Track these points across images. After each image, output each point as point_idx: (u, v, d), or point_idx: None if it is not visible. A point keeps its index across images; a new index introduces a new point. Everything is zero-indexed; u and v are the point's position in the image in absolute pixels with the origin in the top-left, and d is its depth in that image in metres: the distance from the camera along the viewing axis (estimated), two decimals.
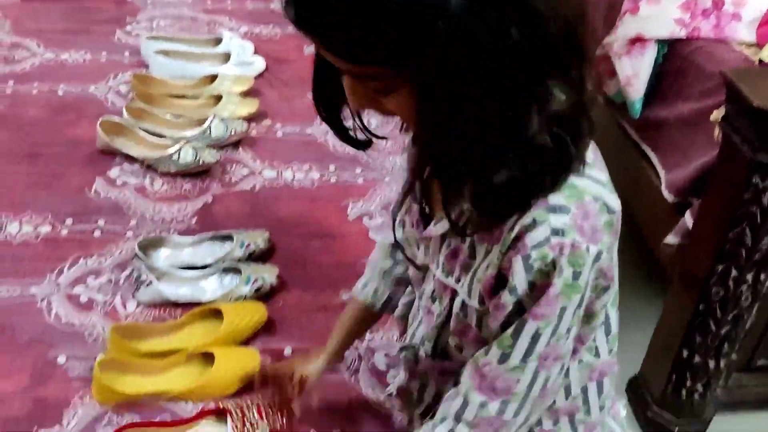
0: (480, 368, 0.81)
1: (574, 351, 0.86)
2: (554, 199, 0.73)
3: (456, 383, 0.86)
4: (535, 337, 0.78)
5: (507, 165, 0.70)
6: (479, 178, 0.72)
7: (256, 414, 1.15)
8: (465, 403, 0.83)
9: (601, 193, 0.74)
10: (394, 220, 0.98)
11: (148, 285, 1.37)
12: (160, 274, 1.39)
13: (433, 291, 0.91)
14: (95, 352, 1.27)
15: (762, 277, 1.59)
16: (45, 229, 1.53)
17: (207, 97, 1.92)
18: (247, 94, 1.96)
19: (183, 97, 1.94)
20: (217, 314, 1.33)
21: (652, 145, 2.15)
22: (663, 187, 2.00)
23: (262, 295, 1.40)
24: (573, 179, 0.74)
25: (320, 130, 1.88)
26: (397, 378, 1.05)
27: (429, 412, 0.96)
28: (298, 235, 1.56)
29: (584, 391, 0.92)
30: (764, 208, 1.51)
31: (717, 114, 1.79)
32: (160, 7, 2.40)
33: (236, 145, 1.81)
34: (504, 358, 0.79)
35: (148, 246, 1.46)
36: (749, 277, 1.59)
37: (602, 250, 0.73)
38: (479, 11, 0.62)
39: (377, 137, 0.90)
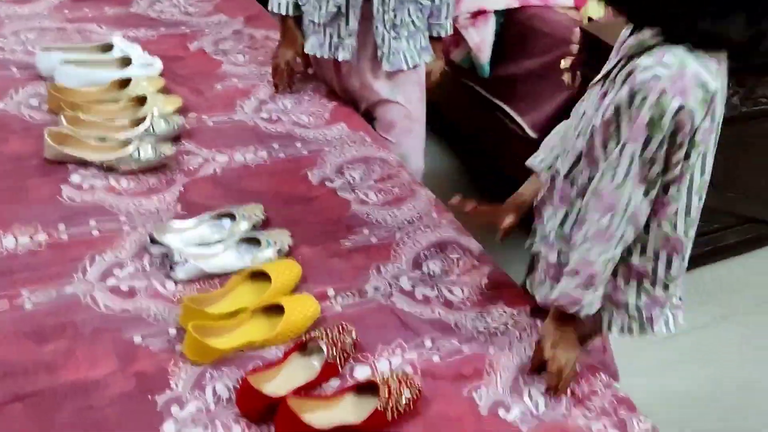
0: (596, 191, 1.22)
1: (655, 213, 1.24)
2: (668, 58, 1.11)
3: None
4: (632, 159, 1.17)
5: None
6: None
7: (336, 332, 1.38)
8: (587, 223, 1.24)
9: (703, 74, 1.12)
10: None
11: (184, 264, 1.50)
12: (189, 253, 1.53)
13: (581, 128, 1.30)
14: (165, 327, 1.40)
15: None
16: (42, 237, 1.57)
17: (127, 100, 2.00)
18: (161, 92, 2.07)
19: (102, 102, 2.00)
20: (257, 276, 1.51)
21: (503, 99, 2.63)
22: (527, 128, 2.48)
23: (283, 256, 1.60)
24: (686, 54, 1.11)
25: (247, 116, 2.06)
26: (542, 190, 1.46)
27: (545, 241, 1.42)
28: (278, 205, 1.76)
29: (656, 256, 1.29)
30: None
31: (565, 62, 2.30)
32: (18, 21, 2.37)
33: (177, 138, 1.93)
34: (613, 178, 1.18)
35: (156, 234, 1.58)
36: None
37: (684, 107, 1.11)
38: None
39: None
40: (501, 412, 1.34)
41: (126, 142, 1.81)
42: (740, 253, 2.86)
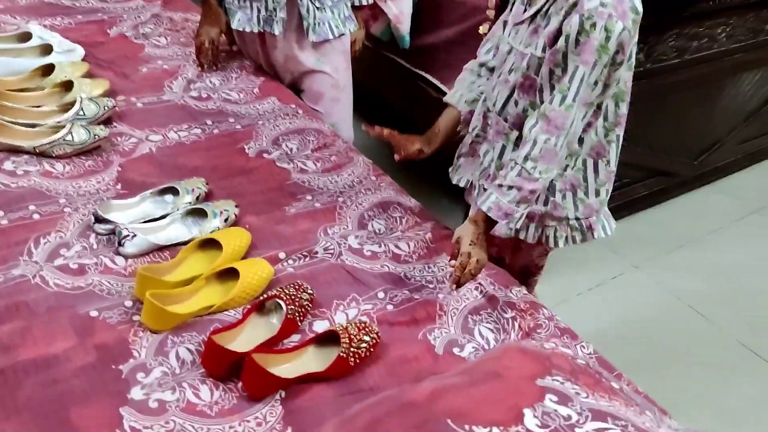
0: (546, 114, 1.32)
1: (589, 125, 1.34)
2: None
3: (516, 143, 1.39)
4: (581, 81, 1.28)
5: None
6: None
7: (293, 289, 1.42)
8: (534, 144, 1.33)
9: None
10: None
11: (132, 238, 1.51)
12: (136, 228, 1.54)
13: (512, 64, 1.40)
14: (120, 301, 1.41)
15: None
16: None
17: (52, 86, 1.97)
18: (85, 77, 2.05)
19: (26, 90, 1.97)
20: (208, 244, 1.53)
21: (425, 68, 2.70)
22: None
23: (231, 225, 1.62)
24: None
25: (176, 95, 2.06)
26: (474, 129, 1.55)
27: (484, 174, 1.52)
28: (219, 178, 1.78)
29: (584, 165, 1.40)
30: None
31: (483, 28, 2.39)
32: None
33: (108, 121, 1.92)
34: (562, 100, 1.29)
35: (100, 212, 1.58)
36: None
37: (626, 28, 1.25)
38: None
39: None
40: (455, 350, 1.41)
41: (58, 127, 1.79)
42: (650, 206, 3.03)
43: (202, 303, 1.42)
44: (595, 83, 1.31)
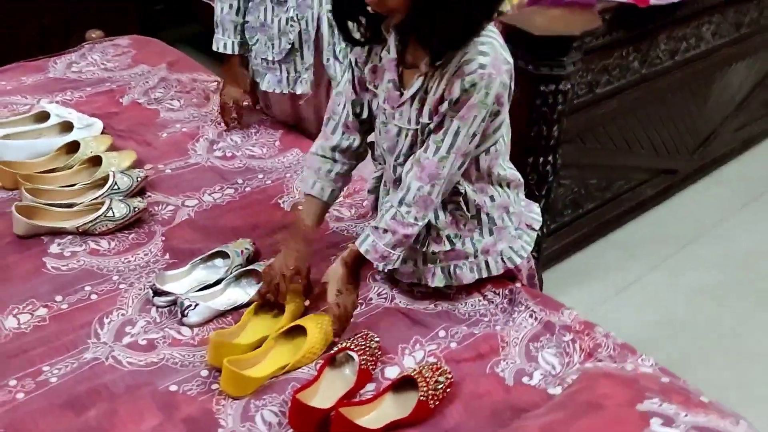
0: (420, 162, 1.39)
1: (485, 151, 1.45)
2: (482, 47, 1.31)
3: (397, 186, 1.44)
4: (456, 134, 1.36)
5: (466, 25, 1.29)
6: (449, 37, 1.30)
7: (361, 339, 1.47)
8: (408, 190, 1.42)
9: (504, 50, 1.34)
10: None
11: (195, 307, 1.55)
12: (195, 297, 1.57)
13: (410, 142, 1.46)
14: (196, 371, 1.44)
15: (556, 156, 2.28)
16: (43, 311, 1.57)
17: (80, 163, 2.00)
18: (110, 150, 2.08)
19: (53, 170, 2.00)
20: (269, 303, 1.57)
21: None
22: None
23: None
24: (489, 38, 1.33)
25: (202, 158, 2.10)
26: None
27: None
28: (261, 236, 1.82)
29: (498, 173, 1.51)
30: (550, 106, 2.18)
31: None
32: None
33: (141, 191, 1.95)
34: (436, 151, 1.37)
35: (155, 287, 1.61)
36: (550, 158, 2.27)
37: (501, 82, 1.33)
38: None
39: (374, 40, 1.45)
40: (525, 380, 1.46)
41: (96, 204, 1.83)
42: (657, 204, 3.11)
43: (277, 364, 1.46)
44: (474, 135, 1.38)
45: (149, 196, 1.94)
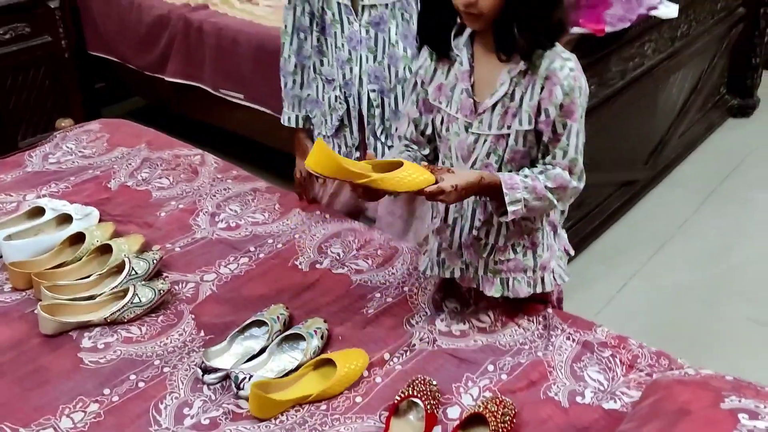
0: (552, 171, 1.52)
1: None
2: (564, 54, 1.49)
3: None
4: (577, 135, 1.52)
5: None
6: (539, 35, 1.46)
7: (421, 385, 1.52)
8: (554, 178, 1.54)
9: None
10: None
11: (250, 379, 1.57)
12: (245, 369, 1.60)
13: (488, 149, 1.56)
14: None
15: None
16: (95, 407, 1.56)
17: (89, 254, 2.00)
18: (114, 236, 2.09)
19: (62, 265, 1.99)
20: (321, 364, 1.61)
21: None
22: None
23: (327, 340, 1.70)
24: (559, 47, 1.51)
25: (207, 231, 2.13)
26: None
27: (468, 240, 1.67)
28: (289, 299, 1.85)
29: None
30: None
31: None
32: None
33: (157, 273, 1.96)
34: (564, 155, 1.52)
35: (204, 365, 1.63)
36: None
37: (586, 82, 1.51)
38: None
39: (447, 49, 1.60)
40: (579, 399, 1.54)
41: (119, 293, 1.83)
42: (624, 214, 3.27)
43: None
44: (582, 131, 1.56)
45: (166, 277, 1.95)
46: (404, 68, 1.97)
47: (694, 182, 3.49)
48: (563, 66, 1.49)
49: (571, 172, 1.54)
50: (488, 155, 1.58)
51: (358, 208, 2.26)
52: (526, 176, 1.52)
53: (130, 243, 2.03)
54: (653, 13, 2.71)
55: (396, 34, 1.95)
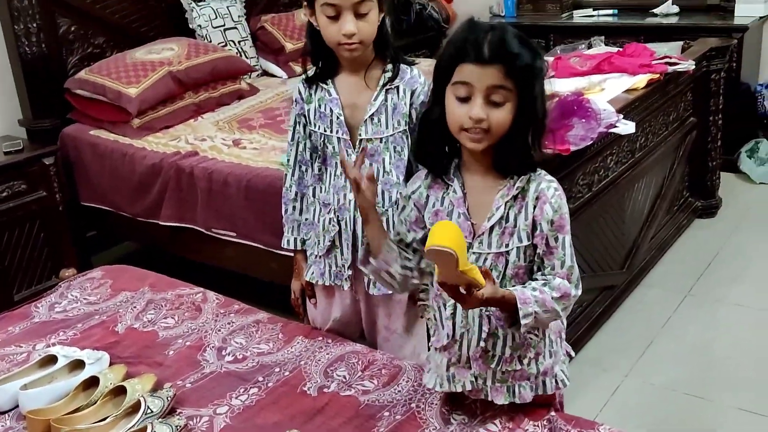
0: (552, 279, 1.65)
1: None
2: (546, 176, 1.69)
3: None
4: (570, 245, 1.68)
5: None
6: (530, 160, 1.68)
7: None
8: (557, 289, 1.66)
9: None
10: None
11: None
12: None
13: (489, 266, 1.69)
14: None
15: None
16: None
17: (104, 396, 2.07)
18: (128, 376, 2.16)
19: (79, 409, 2.05)
20: None
21: None
22: None
23: None
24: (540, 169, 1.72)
25: (215, 365, 2.21)
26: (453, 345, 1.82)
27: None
28: (301, 424, 1.92)
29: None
30: None
31: None
32: None
33: (171, 410, 2.03)
34: (562, 265, 1.67)
35: None
36: None
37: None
38: (541, 73, 1.61)
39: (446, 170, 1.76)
40: None
41: None
42: (608, 319, 3.40)
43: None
44: (570, 245, 1.72)
45: (180, 413, 2.02)
46: (397, 193, 2.16)
47: (670, 283, 3.65)
48: (549, 186, 1.68)
49: (569, 280, 1.68)
50: (490, 268, 1.71)
51: (349, 329, 2.39)
52: (534, 289, 1.65)
53: (143, 382, 2.10)
54: (613, 130, 2.94)
55: (390, 164, 2.16)
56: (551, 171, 2.62)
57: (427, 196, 1.79)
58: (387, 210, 2.16)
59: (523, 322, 1.63)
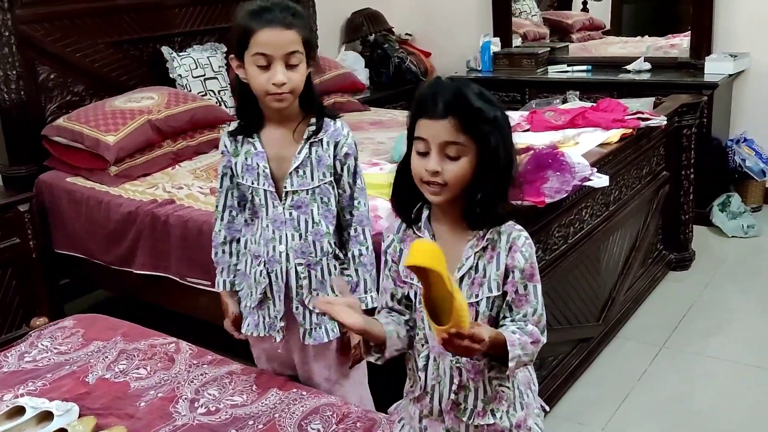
0: (524, 326, 1.65)
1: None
2: (516, 226, 1.70)
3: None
4: (541, 293, 1.68)
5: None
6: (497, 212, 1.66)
7: None
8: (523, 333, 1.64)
9: None
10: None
11: None
12: None
13: None
14: None
15: None
16: None
17: None
18: (98, 428, 2.12)
19: None
20: None
21: None
22: None
23: None
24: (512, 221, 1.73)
25: (188, 417, 2.17)
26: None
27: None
28: None
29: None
30: None
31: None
32: None
33: None
34: (534, 313, 1.67)
35: None
36: None
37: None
38: (503, 134, 1.62)
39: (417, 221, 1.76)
40: None
41: None
42: (584, 371, 3.39)
43: None
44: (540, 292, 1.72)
45: None
46: (327, 242, 2.22)
47: (645, 335, 3.66)
48: (519, 236, 1.69)
49: (538, 327, 1.69)
50: None
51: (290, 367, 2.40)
52: (514, 332, 1.64)
53: None
54: (587, 183, 2.98)
55: (318, 215, 2.20)
56: (526, 223, 2.66)
57: (401, 249, 1.79)
58: (321, 260, 2.23)
59: (510, 364, 1.61)
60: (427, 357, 1.77)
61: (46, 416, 2.17)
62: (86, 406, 2.25)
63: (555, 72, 5.47)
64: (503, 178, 1.66)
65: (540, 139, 3.38)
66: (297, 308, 2.26)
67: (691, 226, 4.33)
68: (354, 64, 5.65)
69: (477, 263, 1.70)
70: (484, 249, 1.69)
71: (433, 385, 1.78)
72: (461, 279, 1.70)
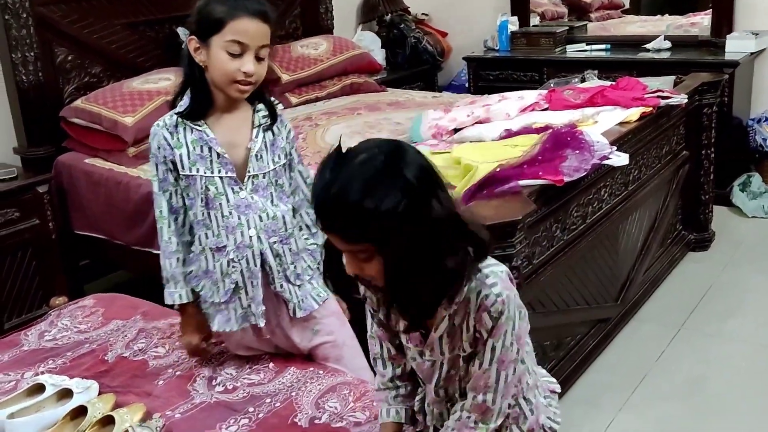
0: (473, 379, 1.57)
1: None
2: (488, 280, 1.51)
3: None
4: (493, 350, 1.54)
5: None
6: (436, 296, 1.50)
7: None
8: (466, 399, 1.58)
9: (501, 268, 1.56)
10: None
11: None
12: None
13: (450, 368, 1.62)
14: None
15: None
16: None
17: (92, 425, 2.04)
18: (117, 406, 2.14)
19: None
20: None
21: None
22: None
23: None
24: (488, 268, 1.54)
25: (205, 395, 2.19)
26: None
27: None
28: None
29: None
30: None
31: None
32: None
33: None
34: (479, 366, 1.55)
35: None
36: None
37: (515, 293, 1.55)
38: (410, 219, 1.36)
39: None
40: None
41: None
42: (601, 353, 3.38)
43: None
44: (511, 344, 1.54)
45: None
46: (290, 217, 2.25)
47: (663, 317, 3.64)
48: (489, 294, 1.50)
49: (478, 386, 1.57)
50: (449, 371, 1.64)
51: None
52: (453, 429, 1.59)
53: (132, 412, 2.08)
54: (606, 162, 2.95)
55: (276, 197, 2.23)
56: (545, 201, 2.67)
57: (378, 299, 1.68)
58: (292, 232, 2.24)
59: None
60: (422, 400, 1.76)
61: (66, 394, 2.19)
62: (106, 384, 2.27)
63: (573, 51, 5.41)
64: (431, 261, 1.43)
65: (559, 118, 3.35)
66: (281, 286, 2.23)
67: (711, 206, 4.29)
68: (370, 45, 5.63)
69: (453, 322, 1.58)
70: (457, 307, 1.55)
71: (435, 426, 1.74)
72: (440, 338, 1.60)
